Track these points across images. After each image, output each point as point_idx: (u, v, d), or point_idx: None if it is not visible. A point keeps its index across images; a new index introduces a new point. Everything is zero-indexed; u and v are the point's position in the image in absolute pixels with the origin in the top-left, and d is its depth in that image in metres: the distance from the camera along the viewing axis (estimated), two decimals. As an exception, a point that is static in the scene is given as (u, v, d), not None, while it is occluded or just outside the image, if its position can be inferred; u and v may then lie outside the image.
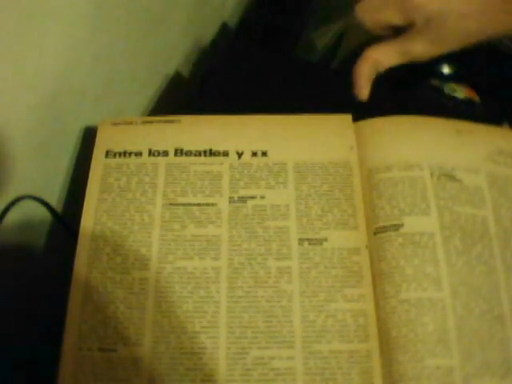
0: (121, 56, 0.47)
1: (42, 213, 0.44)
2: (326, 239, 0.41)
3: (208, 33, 0.61)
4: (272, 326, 0.38)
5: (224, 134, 0.45)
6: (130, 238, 0.41)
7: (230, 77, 0.54)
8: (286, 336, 0.38)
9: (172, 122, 0.45)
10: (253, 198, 0.43)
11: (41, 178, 0.43)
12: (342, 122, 0.46)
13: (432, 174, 0.45)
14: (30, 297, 0.43)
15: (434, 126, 0.47)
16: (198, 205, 0.42)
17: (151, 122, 0.45)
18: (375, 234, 0.42)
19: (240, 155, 0.44)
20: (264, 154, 0.44)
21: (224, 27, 0.62)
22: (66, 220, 0.45)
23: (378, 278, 0.41)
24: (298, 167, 0.44)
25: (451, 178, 0.45)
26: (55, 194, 0.46)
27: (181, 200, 0.42)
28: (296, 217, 0.42)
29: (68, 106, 0.43)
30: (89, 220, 0.41)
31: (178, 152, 0.44)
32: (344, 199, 0.43)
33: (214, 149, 0.44)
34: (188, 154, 0.44)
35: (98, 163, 0.43)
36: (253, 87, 0.50)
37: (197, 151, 0.44)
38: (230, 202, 0.42)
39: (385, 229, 0.42)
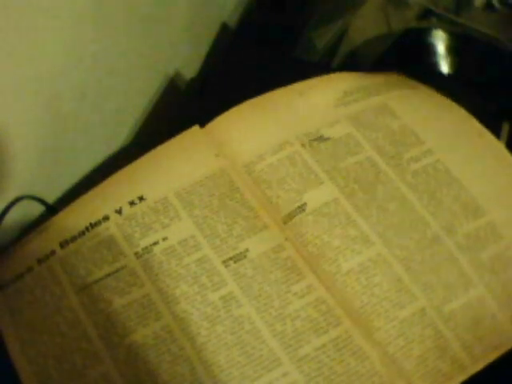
0: (121, 56, 0.47)
1: (41, 213, 0.44)
2: (247, 250, 0.40)
3: (208, 33, 0.61)
4: (250, 354, 0.37)
5: (96, 204, 0.42)
6: (66, 345, 0.38)
7: (230, 77, 0.54)
8: (268, 357, 0.37)
9: (47, 227, 0.42)
10: (156, 243, 0.40)
11: (41, 178, 0.43)
12: (192, 136, 0.45)
13: (303, 145, 0.44)
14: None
15: (279, 97, 0.47)
16: (109, 275, 0.39)
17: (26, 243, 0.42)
18: (285, 223, 0.41)
19: (120, 211, 0.42)
20: (141, 198, 0.42)
21: (224, 27, 0.62)
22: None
23: (313, 262, 0.40)
24: (179, 196, 0.42)
25: (321, 139, 0.44)
26: (55, 194, 0.46)
27: (90, 279, 0.39)
28: (207, 242, 0.40)
29: (68, 106, 0.43)
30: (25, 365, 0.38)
31: (64, 244, 0.41)
32: (239, 205, 0.42)
33: (93, 221, 0.41)
34: (73, 239, 0.41)
35: None
36: (253, 87, 0.50)
37: (80, 232, 0.41)
38: (137, 258, 0.40)
39: (292, 214, 0.42)
